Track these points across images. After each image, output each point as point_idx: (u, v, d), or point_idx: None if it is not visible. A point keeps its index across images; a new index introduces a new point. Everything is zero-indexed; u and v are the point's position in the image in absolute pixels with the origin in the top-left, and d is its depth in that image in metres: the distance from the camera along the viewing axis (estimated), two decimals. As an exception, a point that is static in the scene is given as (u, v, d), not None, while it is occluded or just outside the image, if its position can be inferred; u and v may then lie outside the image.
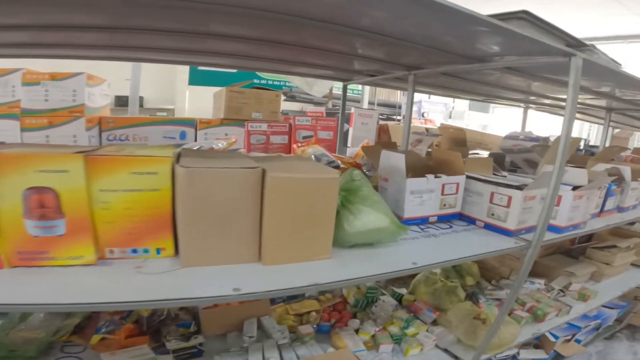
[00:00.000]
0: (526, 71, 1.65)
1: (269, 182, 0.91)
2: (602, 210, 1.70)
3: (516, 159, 1.79)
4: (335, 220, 1.11)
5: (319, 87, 3.51)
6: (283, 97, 6.11)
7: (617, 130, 3.94)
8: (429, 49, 1.41)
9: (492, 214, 1.43)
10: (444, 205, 1.47)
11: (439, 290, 2.09)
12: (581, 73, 1.17)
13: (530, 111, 3.32)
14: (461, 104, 7.46)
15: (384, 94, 8.22)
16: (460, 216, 1.54)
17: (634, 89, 1.91)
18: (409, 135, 1.93)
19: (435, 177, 1.42)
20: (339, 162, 2.00)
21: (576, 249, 2.51)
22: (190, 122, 3.33)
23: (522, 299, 2.06)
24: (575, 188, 1.38)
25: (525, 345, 2.29)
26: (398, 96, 7.11)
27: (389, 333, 1.72)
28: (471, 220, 1.52)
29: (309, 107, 6.22)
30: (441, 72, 1.83)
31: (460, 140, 2.33)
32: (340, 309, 1.91)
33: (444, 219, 1.49)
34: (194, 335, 1.51)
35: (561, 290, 2.14)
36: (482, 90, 2.37)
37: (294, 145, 2.31)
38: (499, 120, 7.07)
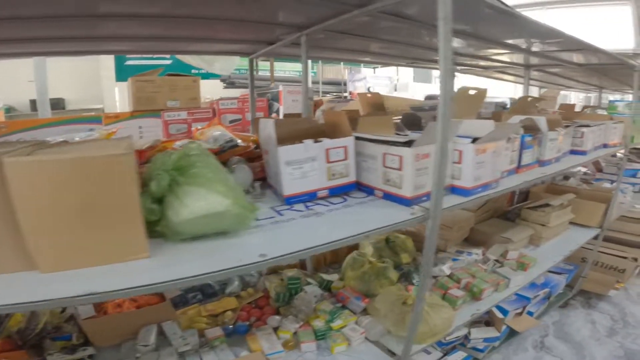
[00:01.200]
0: (410, 17, 1.44)
1: (8, 171, 0.64)
2: (519, 166, 1.52)
3: (427, 117, 1.59)
4: (161, 208, 0.86)
5: (222, 64, 3.21)
6: (223, 85, 5.79)
7: (543, 90, 3.87)
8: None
9: (388, 180, 1.21)
10: (333, 175, 1.23)
11: (367, 273, 1.87)
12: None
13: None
14: (405, 77, 7.36)
15: (332, 73, 8.02)
16: (359, 186, 1.31)
17: (545, 38, 1.74)
18: (306, 102, 1.70)
19: (315, 141, 1.18)
20: (239, 140, 1.75)
21: (513, 211, 2.37)
22: (97, 119, 2.99)
23: (457, 275, 1.86)
24: (475, 140, 1.18)
25: (476, 323, 2.15)
26: (346, 74, 6.93)
27: (312, 329, 1.51)
28: (370, 190, 1.29)
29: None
30: (337, 31, 1.64)
31: (378, 104, 2.14)
32: (262, 305, 1.72)
33: (337, 191, 1.25)
34: (82, 347, 1.34)
35: (497, 261, 1.98)
36: (395, 51, 2.16)
37: (194, 129, 2.03)
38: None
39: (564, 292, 2.58)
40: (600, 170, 3.26)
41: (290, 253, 0.85)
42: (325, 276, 1.98)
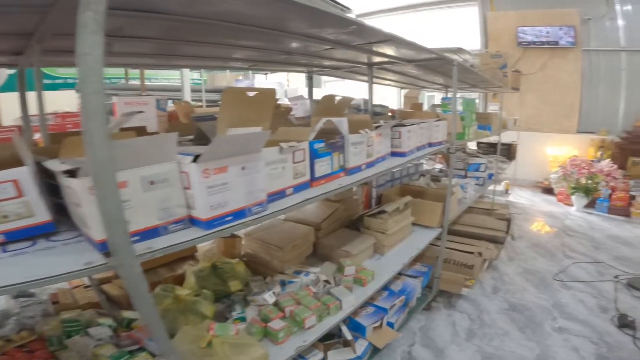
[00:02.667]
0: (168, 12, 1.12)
1: None
2: (313, 178, 1.24)
3: (208, 128, 1.23)
4: None
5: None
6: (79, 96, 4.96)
7: (405, 91, 3.90)
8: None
9: (82, 221, 0.82)
10: (5, 217, 0.81)
11: (170, 310, 1.50)
12: None
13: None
14: (296, 82, 7.17)
15: (225, 80, 7.54)
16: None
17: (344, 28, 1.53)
18: (26, 121, 1.27)
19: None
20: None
21: (359, 220, 2.15)
22: None
23: (282, 303, 1.56)
24: (197, 158, 0.83)
25: (334, 344, 1.89)
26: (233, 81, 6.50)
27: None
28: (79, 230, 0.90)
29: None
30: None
31: (190, 112, 1.78)
32: (35, 349, 1.40)
33: (19, 236, 0.84)
34: None
35: (327, 282, 1.71)
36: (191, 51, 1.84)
37: None
38: (331, 93, 7.02)
39: (425, 295, 2.47)
40: (450, 166, 3.29)
41: None
42: (129, 314, 1.62)
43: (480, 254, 2.50)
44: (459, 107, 2.40)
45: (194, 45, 1.73)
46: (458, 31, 6.07)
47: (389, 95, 6.17)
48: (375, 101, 2.57)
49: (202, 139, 1.26)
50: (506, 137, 4.09)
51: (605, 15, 5.22)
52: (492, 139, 3.62)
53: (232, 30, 1.36)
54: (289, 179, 1.15)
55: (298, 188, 1.19)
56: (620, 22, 5.20)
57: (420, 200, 2.23)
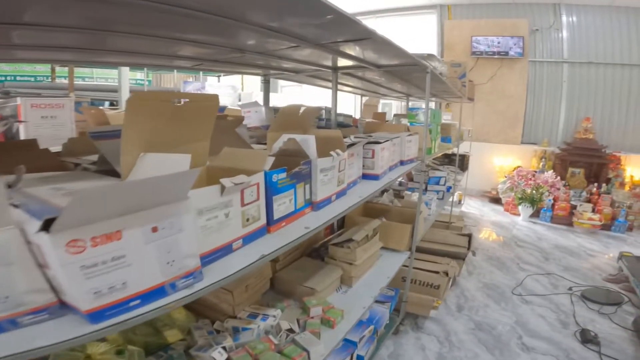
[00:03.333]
0: None
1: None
2: (271, 222, 0.88)
3: (111, 150, 0.82)
4: None
5: None
6: (-5, 95, 4.12)
7: (366, 99, 3.67)
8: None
9: None
10: None
11: None
12: None
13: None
14: (251, 86, 6.69)
15: (170, 82, 6.86)
16: None
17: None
18: None
19: None
20: None
21: (322, 248, 1.82)
22: None
23: (234, 361, 1.19)
24: (49, 223, 0.45)
25: None
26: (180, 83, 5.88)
27: None
28: None
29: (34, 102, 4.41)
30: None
31: (104, 122, 1.36)
32: None
33: None
34: None
35: (289, 331, 1.36)
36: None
37: None
38: (288, 98, 6.58)
39: (393, 318, 2.21)
40: (412, 179, 3.10)
41: None
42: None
43: (446, 273, 2.29)
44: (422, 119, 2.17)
45: (128, 38, 1.33)
46: (415, 39, 5.93)
47: (345, 101, 5.91)
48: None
49: (108, 163, 0.85)
50: (460, 148, 4.00)
51: (552, 26, 5.35)
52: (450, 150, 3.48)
53: (172, 16, 0.98)
54: (236, 228, 0.78)
55: (250, 238, 0.83)
56: (565, 33, 5.37)
57: (387, 222, 1.95)
